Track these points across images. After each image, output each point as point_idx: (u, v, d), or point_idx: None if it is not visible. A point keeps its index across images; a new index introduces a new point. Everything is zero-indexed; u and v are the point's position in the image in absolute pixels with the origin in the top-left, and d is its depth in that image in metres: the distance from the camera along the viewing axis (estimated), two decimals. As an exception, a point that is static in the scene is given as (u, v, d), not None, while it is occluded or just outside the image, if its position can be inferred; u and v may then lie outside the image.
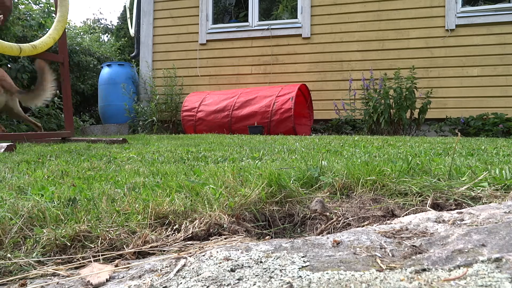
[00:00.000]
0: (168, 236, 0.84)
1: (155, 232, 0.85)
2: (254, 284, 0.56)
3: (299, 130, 4.81)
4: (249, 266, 0.63)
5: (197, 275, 0.61)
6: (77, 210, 0.91)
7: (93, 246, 0.78)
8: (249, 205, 1.00)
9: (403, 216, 0.94)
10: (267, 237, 0.90)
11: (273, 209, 1.04)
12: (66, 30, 5.00)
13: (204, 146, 2.70)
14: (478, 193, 1.03)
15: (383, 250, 0.68)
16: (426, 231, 0.76)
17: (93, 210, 0.92)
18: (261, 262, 0.64)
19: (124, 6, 11.00)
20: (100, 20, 13.20)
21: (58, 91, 6.33)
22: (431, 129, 5.04)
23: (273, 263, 0.64)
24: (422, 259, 0.61)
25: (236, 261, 0.65)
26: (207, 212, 0.92)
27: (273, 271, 0.60)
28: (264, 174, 1.16)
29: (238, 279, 0.58)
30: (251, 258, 0.66)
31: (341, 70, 5.57)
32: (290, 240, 0.75)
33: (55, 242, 0.77)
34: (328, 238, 0.76)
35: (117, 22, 12.07)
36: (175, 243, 0.82)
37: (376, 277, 0.55)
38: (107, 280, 0.64)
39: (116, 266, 0.71)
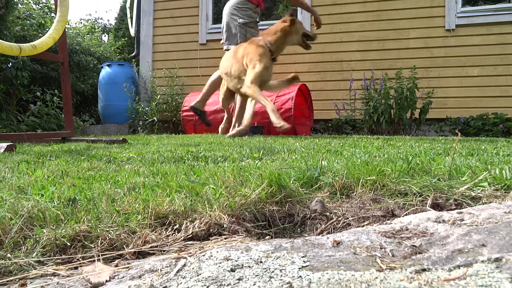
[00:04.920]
0: (168, 236, 0.84)
1: (155, 232, 0.85)
2: (254, 284, 0.56)
3: (299, 130, 4.81)
4: (249, 266, 0.63)
5: (197, 275, 0.61)
6: (77, 210, 0.91)
7: (93, 246, 0.78)
8: (249, 205, 1.00)
9: (403, 216, 0.94)
10: (267, 237, 0.90)
11: (273, 209, 1.04)
12: (66, 30, 5.00)
13: (204, 146, 2.70)
14: (478, 193, 1.03)
15: (383, 250, 0.68)
16: (426, 231, 0.76)
17: (93, 210, 0.92)
18: (261, 262, 0.64)
19: (122, 6, 11.00)
20: (97, 20, 13.21)
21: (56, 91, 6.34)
22: (431, 129, 5.04)
23: (273, 263, 0.64)
24: (422, 259, 0.61)
25: (236, 261, 0.65)
26: (207, 212, 0.92)
27: (273, 271, 0.60)
28: (264, 174, 1.16)
29: (238, 279, 0.58)
30: (251, 258, 0.66)
31: (341, 70, 5.56)
32: (290, 240, 0.75)
33: (55, 242, 0.77)
34: (328, 238, 0.76)
35: (115, 22, 12.06)
36: (175, 243, 0.82)
37: (376, 277, 0.55)
38: (106, 281, 0.64)
39: (116, 266, 0.71)
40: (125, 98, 6.06)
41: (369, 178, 1.16)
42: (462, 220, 0.80)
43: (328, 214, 1.00)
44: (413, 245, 0.68)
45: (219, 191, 1.05)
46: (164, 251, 0.78)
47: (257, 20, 3.79)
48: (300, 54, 5.74)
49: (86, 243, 0.79)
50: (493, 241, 0.64)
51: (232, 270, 0.62)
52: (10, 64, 5.88)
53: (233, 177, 1.18)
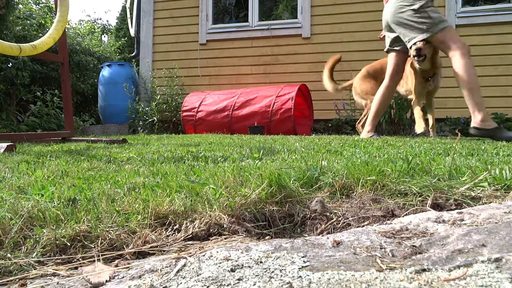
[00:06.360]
0: (168, 236, 0.84)
1: (155, 232, 0.85)
2: (254, 284, 0.56)
3: (299, 130, 4.81)
4: (249, 266, 0.63)
5: (197, 275, 0.61)
6: (77, 210, 0.91)
7: (93, 246, 0.78)
8: (249, 205, 1.00)
9: (403, 216, 0.94)
10: (267, 237, 0.90)
11: (273, 209, 1.04)
12: (66, 30, 4.98)
13: (204, 146, 2.70)
14: (478, 193, 1.03)
15: (383, 250, 0.68)
16: (426, 231, 0.76)
17: (93, 210, 0.92)
18: (261, 262, 0.64)
19: (124, 6, 11.02)
20: (96, 20, 13.23)
21: (57, 91, 6.34)
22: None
23: (273, 263, 0.64)
24: (422, 259, 0.61)
25: (236, 261, 0.65)
26: (207, 212, 0.92)
27: (273, 271, 0.60)
28: (264, 174, 1.16)
29: (238, 279, 0.58)
30: (251, 258, 0.66)
31: (342, 70, 5.56)
32: (290, 240, 0.75)
33: (55, 242, 0.77)
34: (328, 238, 0.76)
35: (116, 22, 12.08)
36: (175, 243, 0.82)
37: (376, 277, 0.55)
38: (106, 281, 0.64)
39: (116, 266, 0.71)
40: (125, 98, 6.07)
41: (369, 178, 1.16)
42: (462, 220, 0.80)
43: (328, 214, 1.00)
44: (413, 245, 0.68)
45: (219, 191, 1.05)
46: (164, 251, 0.78)
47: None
48: (300, 54, 5.75)
49: (86, 243, 0.79)
50: (493, 241, 0.64)
51: (232, 270, 0.62)
52: (11, 64, 5.87)
53: (233, 177, 1.18)
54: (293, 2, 6.04)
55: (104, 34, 12.81)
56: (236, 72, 5.99)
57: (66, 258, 0.75)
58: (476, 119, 3.03)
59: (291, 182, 1.16)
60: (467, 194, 1.04)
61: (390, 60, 3.57)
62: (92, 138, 3.57)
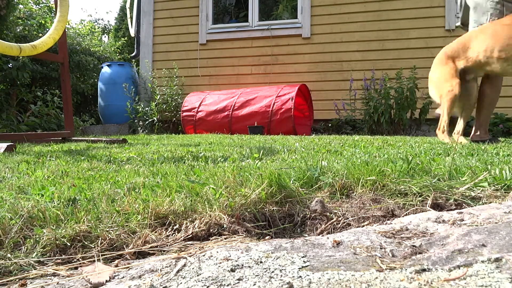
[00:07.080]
0: (168, 236, 0.84)
1: (155, 232, 0.85)
2: (254, 284, 0.56)
3: (299, 130, 4.81)
4: (249, 266, 0.63)
5: (197, 275, 0.61)
6: (77, 210, 0.91)
7: (93, 246, 0.78)
8: (249, 205, 1.00)
9: (403, 216, 0.94)
10: (267, 237, 0.90)
11: (273, 209, 1.04)
12: (66, 30, 4.98)
13: (204, 146, 2.70)
14: (478, 193, 1.03)
15: (383, 250, 0.68)
16: (426, 231, 0.76)
17: (93, 210, 0.92)
18: (261, 262, 0.64)
19: (122, 7, 11.02)
20: (97, 21, 13.23)
21: (57, 91, 6.34)
22: (431, 129, 5.03)
23: (273, 263, 0.64)
24: (422, 259, 0.61)
25: (236, 261, 0.65)
26: (207, 212, 0.92)
27: (273, 271, 0.60)
28: (264, 174, 1.16)
29: (238, 279, 0.58)
30: (251, 258, 0.66)
31: (341, 70, 5.57)
32: (290, 240, 0.75)
33: (55, 242, 0.77)
34: (328, 238, 0.76)
35: (115, 22, 12.08)
36: (175, 243, 0.82)
37: (376, 277, 0.55)
38: (106, 281, 0.64)
39: (116, 266, 0.71)
40: (125, 98, 6.07)
41: (369, 178, 1.16)
42: (462, 220, 0.80)
43: (328, 214, 1.00)
44: (413, 245, 0.68)
45: (219, 191, 1.05)
46: (164, 251, 0.78)
47: None
48: (300, 54, 5.75)
49: (86, 243, 0.79)
50: (493, 241, 0.64)
51: (232, 270, 0.62)
52: (11, 65, 5.88)
53: (233, 177, 1.18)
54: (293, 2, 6.04)
55: (105, 34, 12.81)
56: (236, 72, 5.99)
57: (66, 258, 0.75)
58: (477, 133, 3.05)
59: (291, 182, 1.16)
60: (467, 194, 1.04)
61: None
62: (92, 138, 3.57)
